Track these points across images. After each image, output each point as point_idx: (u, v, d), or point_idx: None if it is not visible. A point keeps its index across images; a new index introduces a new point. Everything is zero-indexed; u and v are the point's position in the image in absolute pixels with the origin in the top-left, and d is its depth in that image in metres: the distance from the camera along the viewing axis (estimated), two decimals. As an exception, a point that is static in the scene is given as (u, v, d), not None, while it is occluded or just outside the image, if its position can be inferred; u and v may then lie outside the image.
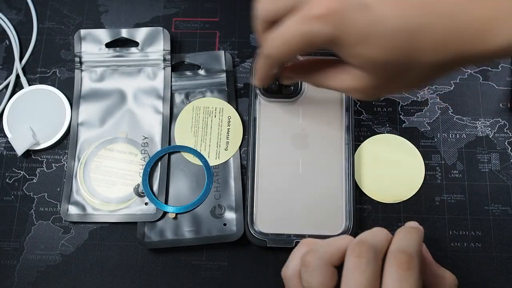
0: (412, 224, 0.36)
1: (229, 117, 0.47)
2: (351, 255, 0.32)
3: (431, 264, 0.35)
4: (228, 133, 0.46)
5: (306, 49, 0.33)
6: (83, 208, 0.45)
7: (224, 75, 0.48)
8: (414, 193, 0.44)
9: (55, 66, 0.49)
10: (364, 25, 0.30)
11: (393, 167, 0.45)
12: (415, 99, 0.47)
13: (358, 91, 0.35)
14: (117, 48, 0.48)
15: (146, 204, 0.44)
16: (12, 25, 0.51)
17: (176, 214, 0.44)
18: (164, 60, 0.48)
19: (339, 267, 0.33)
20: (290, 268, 0.35)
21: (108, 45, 0.49)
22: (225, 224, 0.44)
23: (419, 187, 0.44)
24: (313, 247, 0.35)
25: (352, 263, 0.32)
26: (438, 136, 0.46)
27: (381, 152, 0.45)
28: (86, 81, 0.48)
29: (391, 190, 0.44)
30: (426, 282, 0.34)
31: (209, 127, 0.46)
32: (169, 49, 0.48)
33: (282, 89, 0.46)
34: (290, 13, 0.33)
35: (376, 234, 0.34)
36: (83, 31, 0.48)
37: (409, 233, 0.34)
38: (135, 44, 0.48)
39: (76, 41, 0.48)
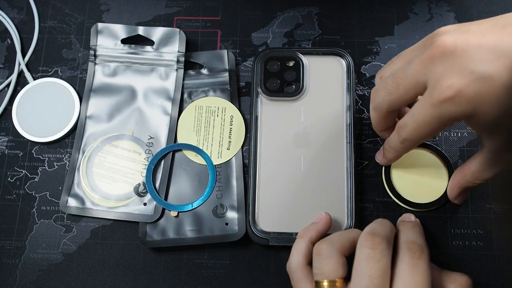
0: (407, 217, 0.41)
1: (232, 117, 0.47)
2: (365, 246, 0.34)
3: (433, 271, 0.36)
4: (230, 132, 0.46)
5: (441, 129, 0.34)
6: (82, 201, 0.45)
7: (226, 74, 0.48)
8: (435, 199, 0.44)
9: (56, 65, 0.49)
10: (495, 96, 0.30)
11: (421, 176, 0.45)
12: (416, 98, 0.47)
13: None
14: (132, 45, 0.48)
15: (144, 204, 0.44)
16: (14, 24, 0.51)
17: (178, 212, 0.44)
18: (178, 61, 0.48)
19: (348, 258, 0.35)
20: (293, 261, 0.38)
21: (123, 41, 0.48)
22: (227, 224, 0.44)
23: (441, 194, 0.44)
24: (309, 235, 0.38)
25: (366, 253, 0.34)
26: (440, 135, 0.46)
27: (414, 164, 0.45)
28: (99, 74, 0.48)
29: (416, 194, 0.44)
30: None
31: (212, 127, 0.46)
32: (184, 51, 0.48)
33: (283, 87, 0.46)
34: (418, 99, 0.35)
35: (384, 226, 0.36)
36: (100, 25, 0.48)
37: (415, 228, 0.37)
38: (151, 42, 0.48)
39: (93, 34, 0.48)
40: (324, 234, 0.39)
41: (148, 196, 0.45)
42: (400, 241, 0.36)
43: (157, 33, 0.48)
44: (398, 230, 0.38)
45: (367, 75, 0.48)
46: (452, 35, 0.32)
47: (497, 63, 0.30)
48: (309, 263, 0.38)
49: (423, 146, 0.45)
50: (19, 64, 0.49)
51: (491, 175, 0.37)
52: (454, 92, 0.31)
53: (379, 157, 0.44)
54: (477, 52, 0.31)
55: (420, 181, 0.44)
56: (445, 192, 0.43)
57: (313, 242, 0.38)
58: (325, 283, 0.35)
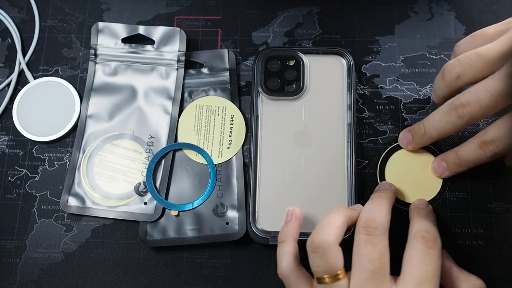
0: (419, 202, 0.41)
1: (232, 116, 0.47)
2: (362, 233, 0.35)
3: (451, 268, 0.37)
4: (231, 131, 0.46)
5: None
6: (82, 201, 0.45)
7: (227, 73, 0.48)
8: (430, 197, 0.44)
9: (57, 64, 0.49)
10: None
11: (415, 176, 0.45)
12: (417, 97, 0.47)
13: None
14: (133, 45, 0.48)
15: (145, 203, 0.44)
16: (14, 23, 0.51)
17: (179, 211, 0.44)
18: (178, 61, 0.48)
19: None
20: (284, 266, 0.37)
21: (124, 41, 0.48)
22: (227, 223, 0.44)
23: (435, 194, 0.44)
24: (292, 235, 0.38)
25: (363, 238, 0.35)
26: (440, 134, 0.46)
27: (408, 163, 0.45)
28: (99, 74, 0.48)
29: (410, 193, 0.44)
30: (446, 285, 0.37)
31: (212, 126, 0.46)
32: (184, 50, 0.48)
33: (284, 87, 0.46)
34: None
35: (381, 207, 0.37)
36: (101, 24, 0.48)
37: (428, 216, 0.38)
38: (151, 42, 0.48)
39: (93, 33, 0.48)
40: (300, 228, 0.39)
41: (149, 195, 0.45)
42: (413, 229, 0.36)
43: (157, 32, 0.48)
44: (411, 217, 0.38)
45: (368, 74, 0.48)
46: None
47: None
48: (300, 263, 0.38)
49: None
50: (20, 63, 0.49)
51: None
52: None
53: (404, 142, 0.44)
54: None
55: (414, 182, 0.44)
56: (439, 192, 0.44)
57: (297, 240, 0.38)
58: (327, 278, 0.35)
